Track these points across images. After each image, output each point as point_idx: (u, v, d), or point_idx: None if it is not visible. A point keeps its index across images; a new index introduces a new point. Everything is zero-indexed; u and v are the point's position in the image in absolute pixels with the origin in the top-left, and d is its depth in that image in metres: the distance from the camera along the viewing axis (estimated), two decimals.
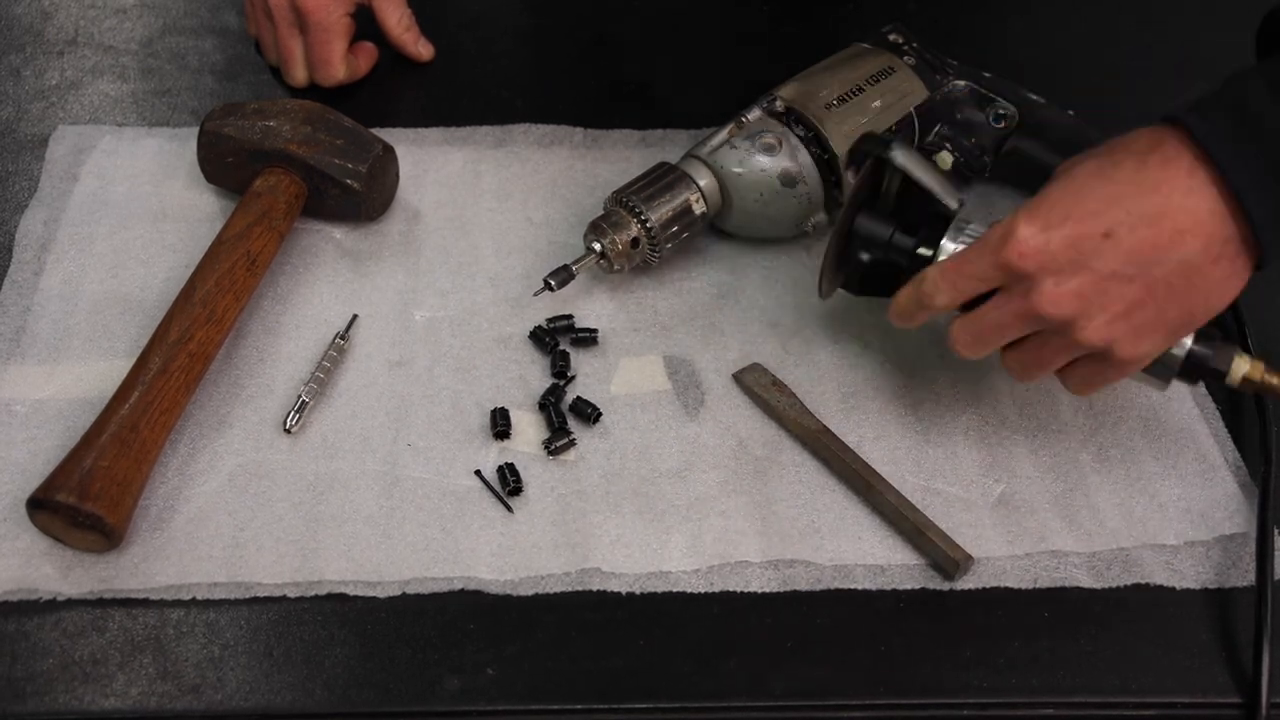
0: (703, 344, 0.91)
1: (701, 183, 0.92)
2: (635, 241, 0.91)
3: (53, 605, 0.76)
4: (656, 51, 1.15)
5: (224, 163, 0.94)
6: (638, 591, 0.78)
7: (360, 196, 0.93)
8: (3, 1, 1.14)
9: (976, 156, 1.00)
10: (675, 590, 0.78)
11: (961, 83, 1.00)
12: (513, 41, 1.15)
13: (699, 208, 0.93)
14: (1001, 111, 0.99)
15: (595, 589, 0.78)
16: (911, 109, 0.97)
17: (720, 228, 0.97)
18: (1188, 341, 0.76)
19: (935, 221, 0.81)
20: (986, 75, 1.00)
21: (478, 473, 0.83)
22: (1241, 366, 0.77)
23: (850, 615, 0.78)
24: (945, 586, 0.80)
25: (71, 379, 0.86)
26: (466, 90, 1.09)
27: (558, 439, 0.84)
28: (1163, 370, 0.77)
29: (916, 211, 0.82)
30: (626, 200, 0.91)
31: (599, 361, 0.90)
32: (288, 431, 0.84)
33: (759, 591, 0.78)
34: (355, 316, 0.91)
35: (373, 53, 1.09)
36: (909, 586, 0.79)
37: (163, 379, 0.80)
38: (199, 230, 0.95)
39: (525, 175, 1.02)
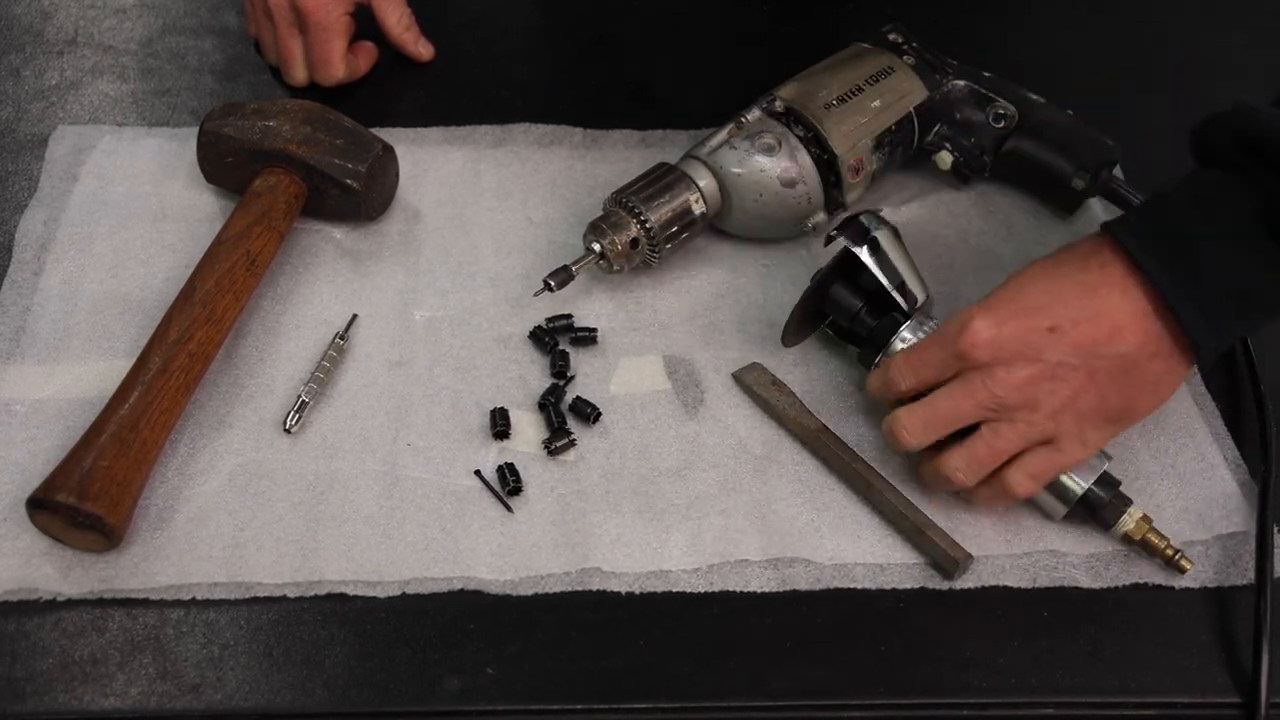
0: (702, 343, 0.91)
1: (701, 183, 0.92)
2: (635, 242, 0.91)
3: (53, 605, 0.76)
4: (656, 51, 1.15)
5: (224, 163, 0.94)
6: (637, 591, 0.78)
7: (360, 196, 0.93)
8: (3, 1, 1.14)
9: (976, 156, 1.00)
10: (675, 590, 0.78)
11: (961, 83, 1.00)
12: (513, 41, 1.15)
13: (698, 208, 0.93)
14: (1001, 111, 0.99)
15: (595, 589, 0.78)
16: (911, 109, 0.97)
17: (720, 228, 0.97)
18: (1086, 482, 0.80)
19: (899, 311, 0.85)
20: (986, 75, 1.00)
21: (478, 473, 0.83)
22: (1127, 523, 0.80)
23: (850, 615, 0.78)
24: (945, 586, 0.80)
25: (71, 379, 0.86)
26: (466, 90, 1.09)
27: (557, 439, 0.84)
28: (1060, 500, 0.80)
29: (882, 301, 0.86)
30: (626, 200, 0.91)
31: (599, 361, 0.90)
32: (288, 431, 0.84)
33: (759, 591, 0.79)
34: (355, 316, 0.91)
35: (373, 52, 1.09)
36: (909, 586, 0.79)
37: (163, 379, 0.80)
38: (199, 230, 0.95)
39: (525, 175, 1.02)
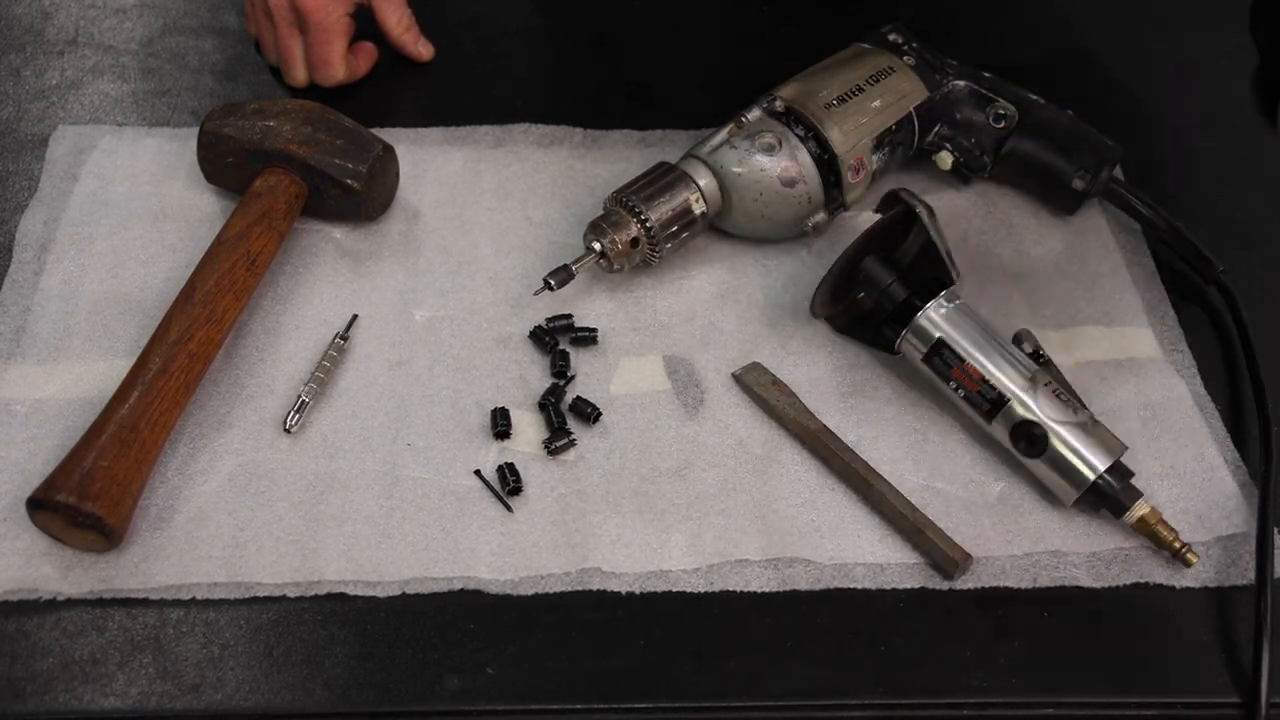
0: (702, 343, 0.91)
1: (701, 183, 0.92)
2: (635, 241, 0.91)
3: (53, 605, 0.76)
4: (656, 51, 1.15)
5: (224, 163, 0.94)
6: (638, 591, 0.78)
7: (360, 196, 0.93)
8: (3, 1, 1.14)
9: (976, 156, 1.00)
10: (675, 590, 0.78)
11: (961, 83, 1.00)
12: (513, 41, 1.15)
13: (699, 208, 0.93)
14: (1001, 111, 0.99)
15: (595, 589, 0.78)
16: (911, 109, 0.97)
17: (720, 228, 0.97)
18: (1100, 467, 0.80)
19: (932, 285, 0.86)
20: (986, 75, 1.00)
21: (478, 472, 0.83)
22: (1140, 509, 0.80)
23: (850, 615, 0.78)
24: (945, 586, 0.80)
25: (71, 379, 0.86)
26: (466, 90, 1.09)
27: (558, 439, 0.84)
28: (1072, 485, 0.81)
29: (918, 275, 0.88)
30: (626, 200, 0.91)
31: (599, 361, 0.90)
32: (288, 431, 0.84)
33: (759, 591, 0.79)
34: (355, 316, 0.91)
35: (373, 53, 1.09)
36: (908, 586, 0.79)
37: (163, 379, 0.80)
38: (199, 230, 0.95)
39: (525, 175, 1.02)
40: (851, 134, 0.94)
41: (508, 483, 0.82)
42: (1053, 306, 0.95)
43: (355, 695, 0.73)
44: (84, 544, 0.76)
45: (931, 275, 0.87)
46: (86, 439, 0.77)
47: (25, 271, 0.92)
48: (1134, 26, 1.20)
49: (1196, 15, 1.22)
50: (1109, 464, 0.81)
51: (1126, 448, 0.82)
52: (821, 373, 0.90)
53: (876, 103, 0.96)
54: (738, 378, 0.89)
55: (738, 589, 0.79)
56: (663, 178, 0.92)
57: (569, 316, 0.91)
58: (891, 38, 1.01)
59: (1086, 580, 0.80)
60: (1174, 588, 0.80)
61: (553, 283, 0.89)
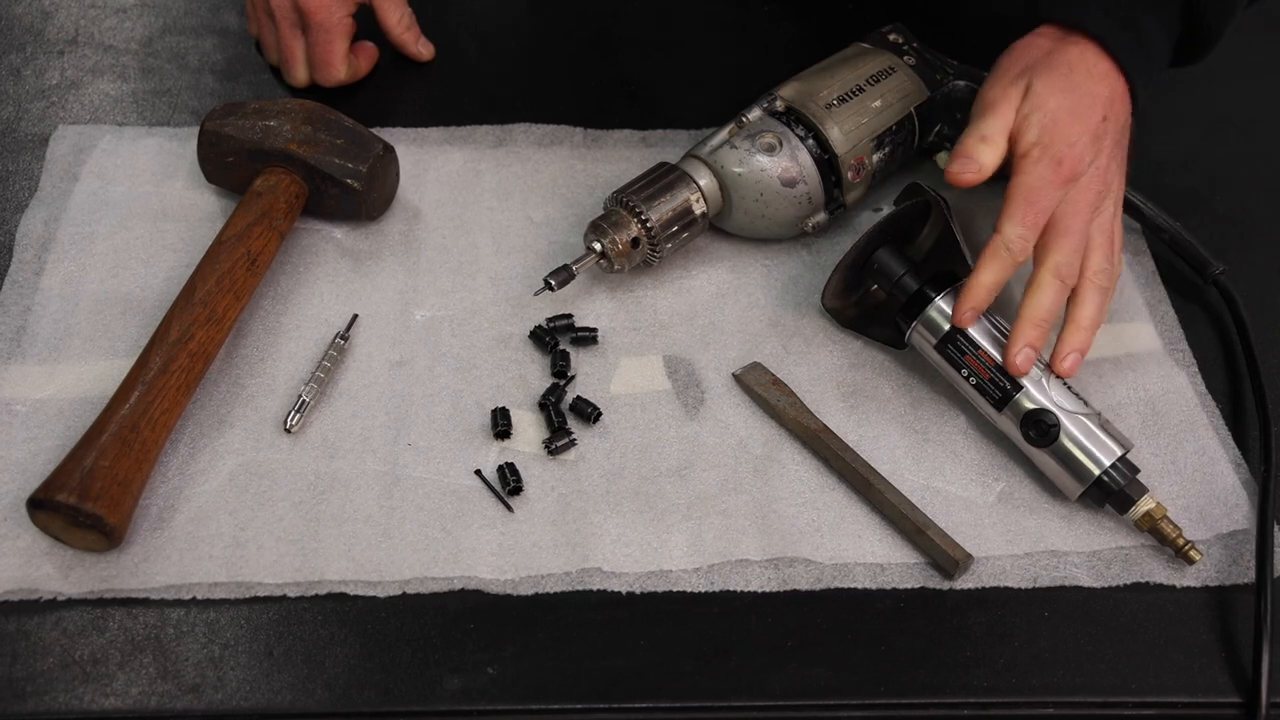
0: (702, 343, 0.91)
1: (701, 182, 0.92)
2: (635, 241, 0.91)
3: (53, 605, 0.76)
4: (656, 51, 1.15)
5: (224, 162, 0.94)
6: (638, 591, 0.78)
7: (360, 196, 0.93)
8: (3, 1, 1.14)
9: None
10: (675, 590, 0.78)
11: (961, 83, 1.00)
12: (513, 41, 1.15)
13: (699, 208, 0.93)
14: None
15: (595, 588, 0.78)
16: (912, 109, 0.97)
17: (720, 227, 0.97)
18: (1106, 461, 0.81)
19: (945, 277, 0.87)
20: (986, 75, 1.00)
21: (478, 472, 0.83)
22: (1146, 504, 0.81)
23: (850, 615, 0.78)
24: (945, 586, 0.80)
25: (72, 379, 0.86)
26: (466, 90, 1.09)
27: (558, 439, 0.84)
28: (1077, 479, 0.82)
29: (929, 269, 0.89)
30: (627, 200, 0.91)
31: (599, 361, 0.90)
32: (288, 431, 0.84)
33: (759, 591, 0.79)
34: (355, 316, 0.91)
35: (373, 53, 1.09)
36: (909, 585, 0.79)
37: (163, 379, 0.80)
38: (199, 230, 0.95)
39: (525, 175, 1.02)
40: (852, 134, 0.94)
41: (508, 483, 0.82)
42: None
43: (355, 695, 0.73)
44: (84, 544, 0.76)
45: (944, 269, 0.88)
46: (87, 439, 0.77)
47: (25, 271, 0.92)
48: None
49: None
50: (1116, 458, 0.81)
51: (1133, 444, 0.82)
52: (822, 372, 0.90)
53: (877, 102, 0.96)
54: (738, 377, 0.89)
55: (738, 589, 0.79)
56: (663, 178, 0.92)
57: (569, 316, 0.91)
58: (892, 37, 1.01)
59: (1086, 580, 0.80)
60: (1174, 587, 0.80)
61: (553, 283, 0.89)
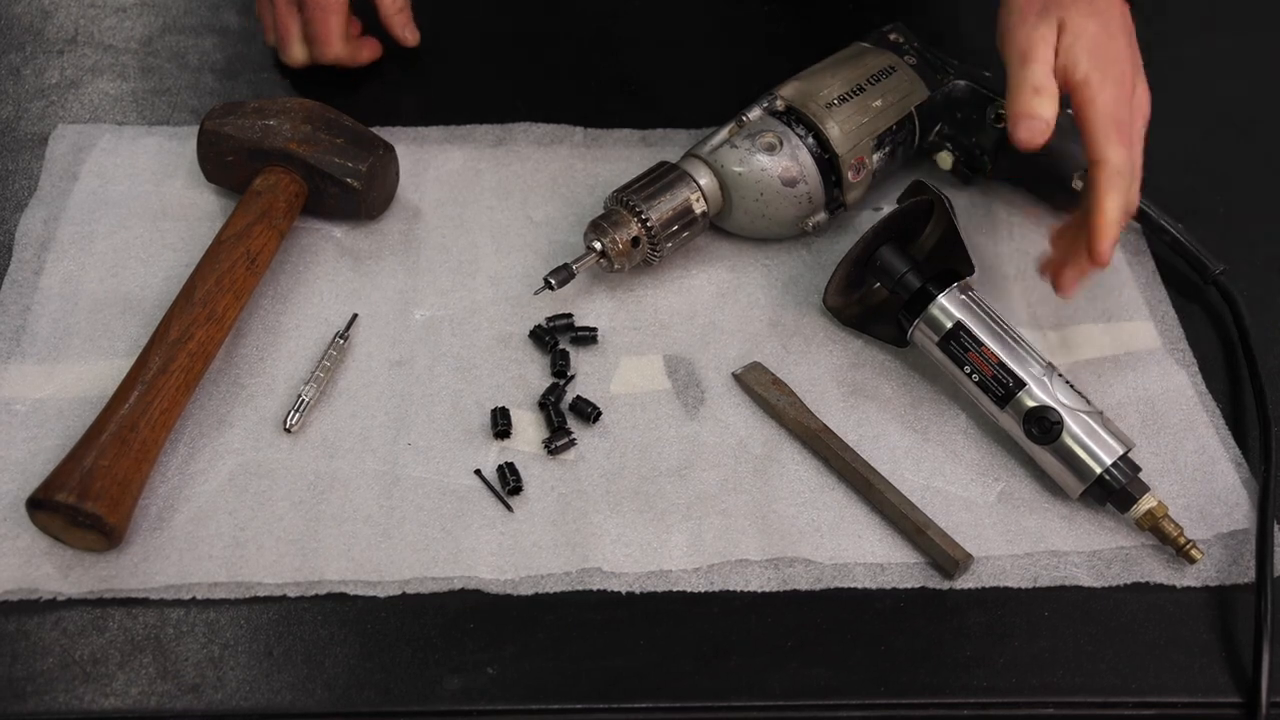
0: (702, 343, 0.91)
1: (702, 182, 0.92)
2: (636, 240, 0.91)
3: (53, 605, 0.76)
4: (656, 51, 1.15)
5: (224, 161, 0.94)
6: (638, 591, 0.78)
7: (360, 195, 0.93)
8: (2, 1, 1.14)
9: (976, 156, 1.00)
10: (675, 589, 0.78)
11: (962, 82, 0.99)
12: (513, 41, 1.15)
13: (699, 207, 0.93)
14: (1001, 111, 0.99)
15: (595, 588, 0.78)
16: (912, 108, 0.97)
17: (721, 227, 0.97)
18: (1108, 460, 0.81)
19: (947, 275, 0.87)
20: (987, 75, 1.00)
21: (478, 472, 0.83)
22: (1148, 502, 0.81)
23: (850, 615, 0.78)
24: (945, 585, 0.80)
25: (71, 378, 0.86)
26: (466, 89, 1.09)
27: (558, 438, 0.84)
28: (1078, 477, 0.82)
29: (931, 267, 0.89)
30: (627, 199, 0.91)
31: (599, 360, 0.90)
32: (288, 431, 0.84)
33: (759, 591, 0.79)
34: (355, 316, 0.91)
35: (376, 47, 1.09)
36: (909, 585, 0.79)
37: (163, 378, 0.80)
38: (199, 229, 0.95)
39: (525, 174, 1.02)
40: (852, 133, 0.94)
41: (508, 482, 0.82)
42: (1051, 306, 0.95)
43: (355, 695, 0.73)
44: (84, 544, 0.76)
45: (946, 267, 0.88)
46: (86, 438, 0.77)
47: (25, 271, 0.92)
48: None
49: (1196, 15, 1.22)
50: (1118, 456, 0.81)
51: (1134, 443, 0.82)
52: (822, 372, 0.90)
53: (877, 102, 0.95)
54: (738, 377, 0.89)
55: (738, 589, 0.79)
56: (663, 177, 0.92)
57: (569, 316, 0.91)
58: (892, 37, 1.01)
59: (1087, 580, 0.80)
60: (1174, 587, 0.80)
61: (553, 282, 0.89)
